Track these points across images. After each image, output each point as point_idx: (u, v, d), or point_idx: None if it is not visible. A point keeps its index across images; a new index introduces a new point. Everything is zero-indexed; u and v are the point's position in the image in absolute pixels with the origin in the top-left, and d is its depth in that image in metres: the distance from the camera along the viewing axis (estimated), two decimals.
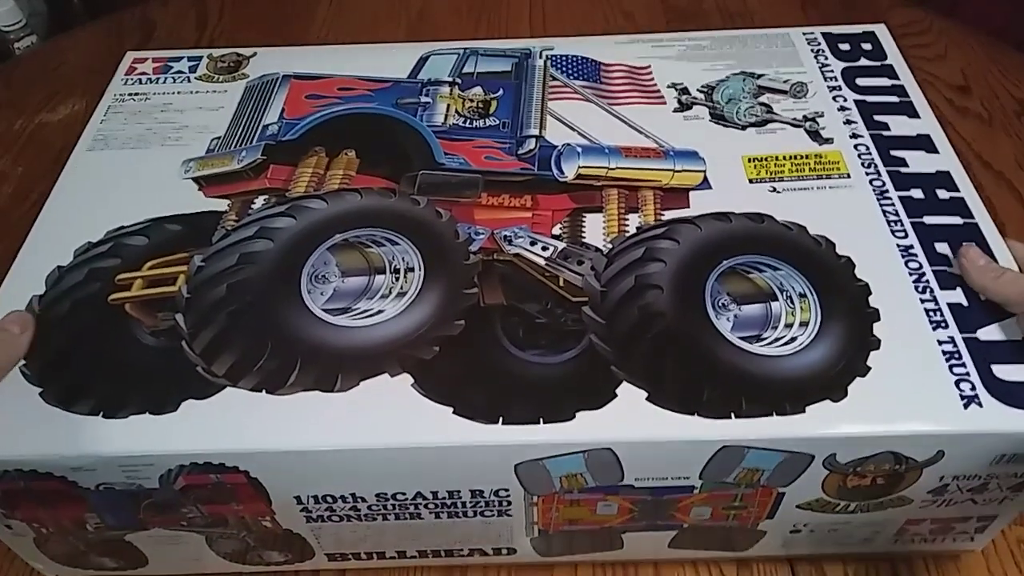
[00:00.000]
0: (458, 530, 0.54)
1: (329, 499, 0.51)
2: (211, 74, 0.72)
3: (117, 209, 0.59)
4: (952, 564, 0.60)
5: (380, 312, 0.53)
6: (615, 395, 0.49)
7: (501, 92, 0.67)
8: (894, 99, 0.67)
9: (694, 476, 0.50)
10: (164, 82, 0.71)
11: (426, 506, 0.52)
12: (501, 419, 0.48)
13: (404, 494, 0.51)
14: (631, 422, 0.48)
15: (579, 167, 0.61)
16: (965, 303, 0.52)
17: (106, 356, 0.51)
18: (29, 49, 1.22)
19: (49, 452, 0.47)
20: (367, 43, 0.76)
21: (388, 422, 0.48)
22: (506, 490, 0.50)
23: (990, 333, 0.51)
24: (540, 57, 0.70)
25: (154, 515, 0.52)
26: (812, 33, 0.73)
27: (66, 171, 0.63)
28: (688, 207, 0.59)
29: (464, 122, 0.65)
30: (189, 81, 0.71)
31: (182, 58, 0.73)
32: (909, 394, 0.48)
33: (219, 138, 0.65)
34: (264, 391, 0.49)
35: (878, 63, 0.70)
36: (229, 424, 0.48)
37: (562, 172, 0.61)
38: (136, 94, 0.70)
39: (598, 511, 0.53)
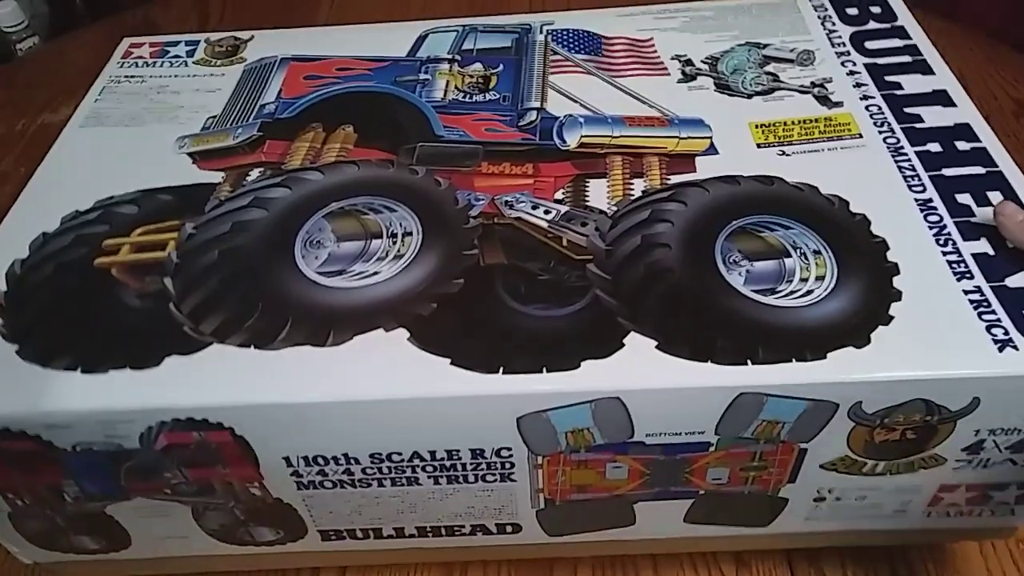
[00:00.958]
0: (458, 500, 0.51)
1: (321, 461, 0.48)
2: (209, 58, 0.71)
3: (108, 181, 0.58)
4: (951, 564, 0.58)
5: (376, 274, 0.50)
6: (623, 344, 0.46)
7: (501, 67, 0.66)
8: (907, 59, 0.65)
9: (709, 430, 0.46)
10: (161, 66, 0.70)
11: (424, 468, 0.48)
12: (501, 369, 0.45)
13: (400, 454, 0.47)
14: (640, 370, 0.45)
15: (582, 136, 0.59)
16: (991, 252, 0.50)
17: (87, 315, 0.49)
18: (31, 50, 1.23)
19: (22, 408, 0.45)
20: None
21: (382, 374, 0.45)
22: (508, 449, 0.47)
23: (1020, 280, 0.48)
24: (540, 32, 0.69)
25: (136, 481, 0.49)
26: (819, 0, 0.72)
27: (57, 145, 0.62)
28: (695, 172, 0.57)
29: (464, 97, 0.64)
30: (186, 65, 0.70)
31: (179, 43, 0.72)
32: (938, 339, 0.45)
33: (215, 117, 0.64)
34: (252, 347, 0.46)
35: (888, 25, 0.68)
36: (213, 379, 0.45)
37: (564, 141, 0.59)
38: (132, 76, 0.69)
39: (608, 475, 0.49)
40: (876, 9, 0.69)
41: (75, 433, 0.45)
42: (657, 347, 0.46)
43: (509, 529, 0.54)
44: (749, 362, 0.45)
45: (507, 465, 0.48)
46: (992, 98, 0.83)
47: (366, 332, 0.47)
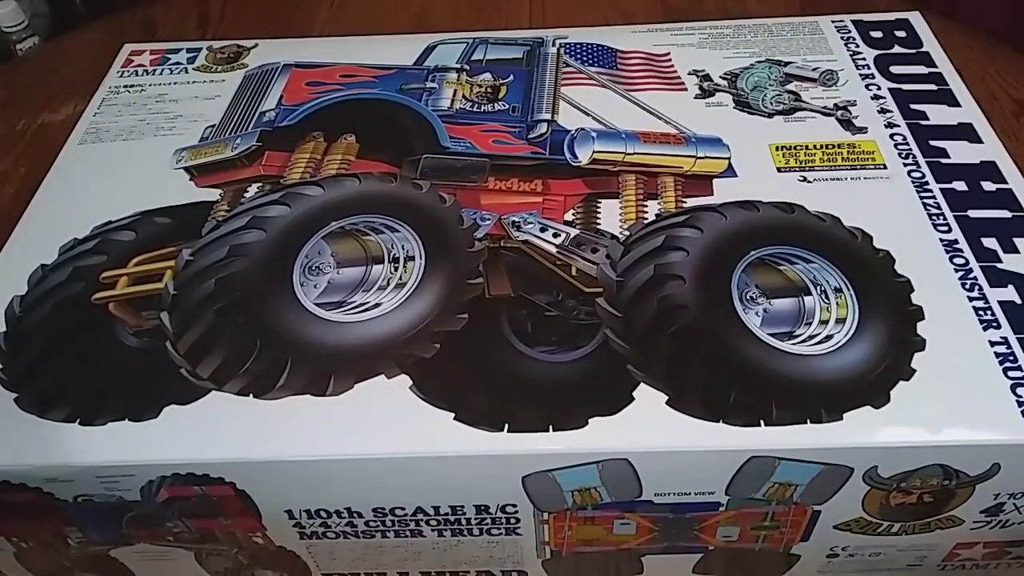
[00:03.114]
0: (463, 550, 0.50)
1: (323, 514, 0.47)
2: (210, 65, 0.69)
3: (106, 203, 0.57)
4: None
5: (377, 305, 0.49)
6: (632, 399, 0.44)
7: (511, 78, 0.63)
8: (931, 87, 0.62)
9: (720, 491, 0.45)
10: (161, 73, 0.68)
11: (427, 523, 0.48)
12: (506, 426, 0.44)
13: (403, 509, 0.47)
14: (649, 429, 0.43)
15: (594, 151, 0.56)
16: (1018, 301, 0.48)
17: (85, 359, 0.48)
18: (31, 50, 1.22)
19: (22, 462, 0.44)
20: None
21: (383, 429, 0.44)
22: (514, 506, 0.46)
23: None
24: (553, 45, 0.66)
25: (138, 529, 0.49)
26: (842, 21, 0.69)
27: (55, 167, 0.61)
28: (712, 195, 0.55)
29: (471, 106, 0.61)
30: (187, 72, 0.68)
31: (180, 50, 0.70)
32: (959, 400, 0.44)
33: (214, 126, 0.62)
34: (251, 395, 0.45)
35: (913, 51, 0.66)
36: (213, 431, 0.44)
37: (575, 157, 0.57)
38: (132, 86, 0.67)
39: (615, 531, 0.48)
40: (901, 33, 0.66)
41: (75, 486, 0.45)
42: (668, 402, 0.44)
43: None
44: (762, 422, 0.43)
45: (512, 520, 0.47)
46: (992, 98, 0.81)
47: (367, 379, 0.46)
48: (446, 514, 0.47)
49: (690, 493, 0.45)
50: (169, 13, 0.89)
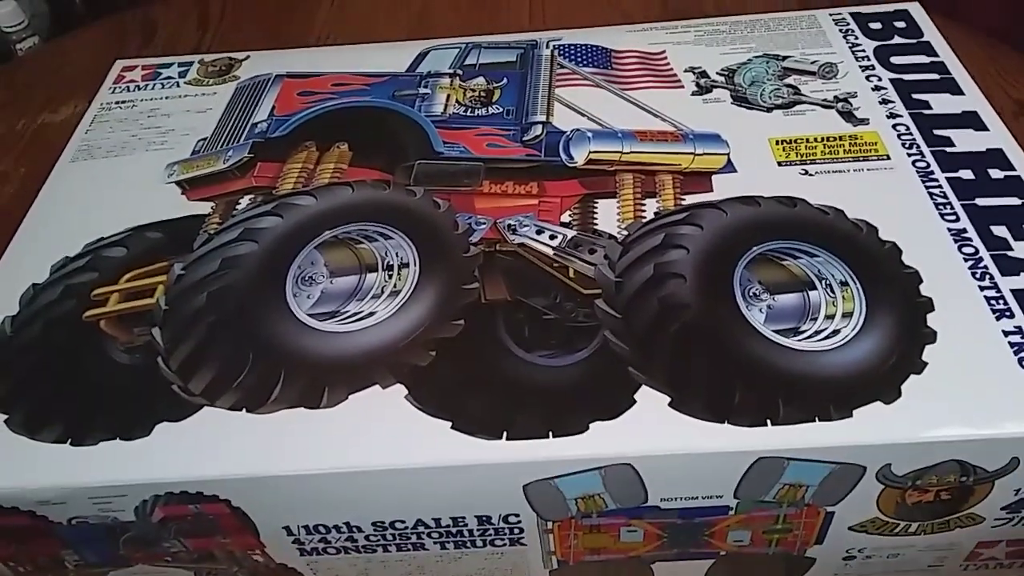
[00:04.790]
0: (468, 562, 0.49)
1: (322, 529, 0.46)
2: (201, 78, 0.68)
3: (98, 220, 0.56)
4: None
5: (371, 315, 0.48)
6: (634, 401, 0.43)
7: (505, 81, 0.62)
8: (934, 76, 0.61)
9: (728, 494, 0.44)
10: (153, 88, 0.68)
11: (429, 535, 0.46)
12: (505, 434, 0.43)
13: (403, 522, 0.45)
14: (653, 433, 0.42)
15: (590, 151, 0.55)
16: None
17: (75, 378, 0.47)
18: (31, 50, 1.22)
19: (12, 485, 0.43)
20: (368, 43, 0.72)
21: (379, 440, 0.43)
22: (516, 515, 0.45)
23: None
24: (547, 47, 0.66)
25: (135, 550, 0.48)
26: (840, 14, 0.68)
27: (47, 185, 0.60)
28: (711, 192, 0.54)
29: (465, 111, 0.60)
30: (178, 86, 0.68)
31: (172, 64, 0.70)
32: (974, 392, 0.42)
33: (206, 139, 0.61)
34: (244, 410, 0.44)
35: (913, 40, 0.64)
36: (206, 448, 0.43)
37: (571, 158, 0.56)
38: (123, 102, 0.67)
39: (622, 538, 0.47)
40: (901, 24, 0.65)
41: (69, 508, 0.44)
42: (670, 404, 0.43)
43: None
44: (769, 422, 0.42)
45: (516, 530, 0.46)
46: (991, 98, 0.80)
47: (362, 390, 0.45)
48: (447, 526, 0.46)
49: (698, 497, 0.44)
50: (169, 13, 0.89)
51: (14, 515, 0.44)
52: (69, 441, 0.44)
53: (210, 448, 0.43)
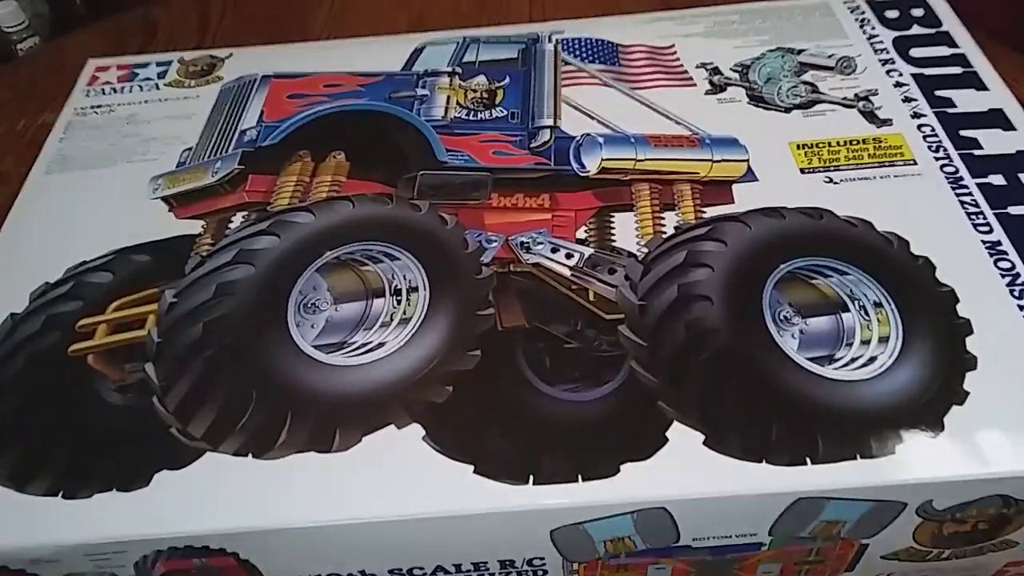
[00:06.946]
0: None
1: None
2: (182, 79, 0.64)
3: (78, 241, 0.52)
4: None
5: (381, 345, 0.45)
6: (666, 439, 0.41)
7: (508, 80, 0.59)
8: (956, 70, 0.58)
9: (763, 532, 0.42)
10: (130, 91, 0.64)
11: None
12: (531, 478, 0.40)
13: (422, 568, 0.43)
14: (687, 474, 0.40)
15: (602, 159, 0.52)
16: None
17: (64, 422, 0.44)
18: (32, 50, 1.20)
19: (2, 542, 0.40)
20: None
21: (396, 488, 0.40)
22: (541, 558, 0.43)
23: None
24: (549, 41, 0.62)
25: None
26: (854, 2, 0.65)
27: (20, 199, 0.56)
28: (732, 202, 0.51)
29: (467, 114, 0.57)
30: (157, 88, 0.63)
31: (149, 64, 0.65)
32: (1019, 423, 0.40)
33: (191, 149, 0.57)
34: (250, 455, 0.42)
35: (932, 30, 0.62)
36: (210, 498, 0.41)
37: (583, 166, 0.53)
38: (99, 106, 0.62)
39: (649, 575, 0.45)
40: (918, 12, 0.62)
41: (63, 566, 0.41)
42: (704, 442, 0.41)
43: None
44: (808, 460, 0.40)
45: (540, 572, 0.44)
46: None
47: (376, 430, 0.42)
48: (468, 571, 0.43)
49: (731, 536, 0.42)
50: (169, 13, 0.86)
51: (6, 575, 0.41)
52: (61, 494, 0.41)
53: (214, 498, 0.41)
